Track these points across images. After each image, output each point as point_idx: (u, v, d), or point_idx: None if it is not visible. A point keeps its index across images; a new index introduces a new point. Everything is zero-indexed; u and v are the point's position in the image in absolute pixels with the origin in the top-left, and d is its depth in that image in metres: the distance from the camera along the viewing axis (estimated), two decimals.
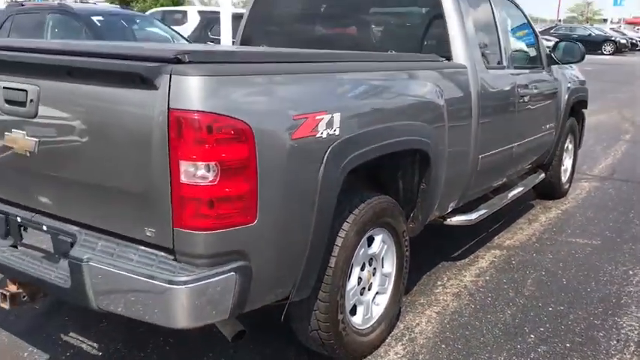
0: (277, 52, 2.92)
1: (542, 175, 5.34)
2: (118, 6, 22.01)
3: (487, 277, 3.97)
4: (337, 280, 2.62)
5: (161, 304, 2.05)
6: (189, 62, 1.98)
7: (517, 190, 4.75)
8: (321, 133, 2.34)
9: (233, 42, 9.43)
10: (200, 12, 16.17)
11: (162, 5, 30.77)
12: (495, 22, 4.20)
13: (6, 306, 2.52)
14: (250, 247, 2.15)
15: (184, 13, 16.42)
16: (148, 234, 2.14)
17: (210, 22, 12.32)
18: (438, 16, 3.68)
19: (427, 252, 4.19)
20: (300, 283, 2.42)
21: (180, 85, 1.95)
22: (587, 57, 5.67)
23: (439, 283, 3.85)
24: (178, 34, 8.94)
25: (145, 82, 1.98)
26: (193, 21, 15.43)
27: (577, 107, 5.82)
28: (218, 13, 16.25)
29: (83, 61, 2.15)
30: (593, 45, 33.88)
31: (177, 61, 1.97)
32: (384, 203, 2.89)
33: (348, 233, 2.64)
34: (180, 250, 2.08)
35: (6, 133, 2.45)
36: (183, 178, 2.00)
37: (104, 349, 3.01)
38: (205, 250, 2.06)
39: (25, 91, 2.33)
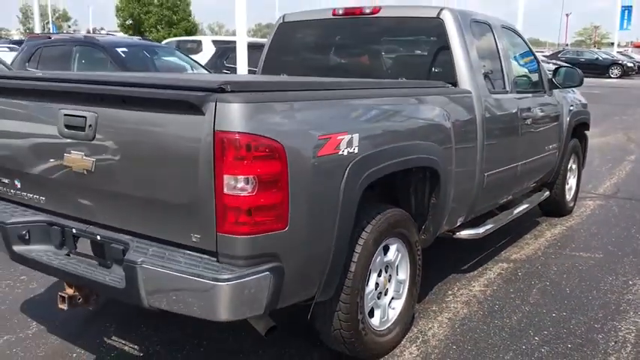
0: (304, 82, 3.26)
1: (547, 193, 5.63)
2: (138, 37, 22.64)
3: (495, 287, 4.25)
4: (357, 284, 2.93)
5: (206, 299, 2.36)
6: (231, 91, 2.32)
7: (523, 207, 5.05)
8: (342, 151, 2.67)
9: (249, 70, 9.91)
10: (214, 41, 16.73)
11: (175, 35, 31.60)
12: (498, 50, 4.54)
13: (64, 307, 2.85)
14: (282, 251, 2.46)
15: (199, 42, 16.99)
16: (194, 239, 2.46)
17: (225, 51, 12.79)
18: (444, 45, 4.02)
19: (438, 265, 4.48)
20: (324, 284, 2.73)
21: (224, 111, 2.29)
22: (595, 80, 6.04)
23: (450, 292, 4.14)
24: (198, 63, 9.36)
25: (194, 108, 2.32)
26: (208, 50, 15.96)
27: (579, 129, 6.12)
28: (231, 42, 16.80)
29: (139, 91, 2.50)
30: (601, 68, 34.24)
31: (221, 90, 2.32)
32: (398, 215, 3.20)
33: (366, 241, 2.95)
34: (222, 253, 2.40)
35: (65, 154, 2.79)
36: (226, 190, 2.32)
37: (144, 350, 3.31)
38: (244, 253, 2.38)
39: (85, 117, 2.67)
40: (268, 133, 2.35)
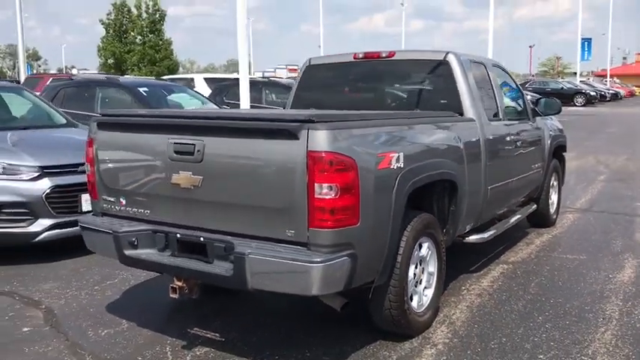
0: (365, 113, 4.02)
1: (535, 206, 6.50)
2: (117, 75, 23.34)
3: (500, 283, 5.06)
4: (403, 272, 3.70)
5: (302, 278, 3.12)
6: (317, 122, 3.13)
7: (516, 217, 5.90)
8: (393, 166, 3.48)
9: (252, 105, 10.77)
10: (206, 79, 17.58)
11: (157, 74, 32.43)
12: (491, 85, 5.44)
13: (175, 296, 3.58)
14: (355, 241, 3.24)
15: (191, 80, 17.79)
16: (289, 234, 3.23)
17: (223, 88, 13.60)
18: (451, 82, 4.90)
19: (450, 267, 5.23)
20: (381, 270, 3.51)
21: (314, 136, 3.09)
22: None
23: (463, 287, 4.93)
24: (207, 98, 10.16)
25: (291, 135, 3.12)
26: (200, 87, 16.76)
27: (558, 151, 7.06)
28: (222, 79, 17.60)
29: (246, 123, 3.30)
30: (566, 97, 36.02)
31: (310, 121, 3.12)
32: (429, 219, 4.01)
33: (408, 238, 3.74)
34: (312, 243, 3.17)
35: (173, 174, 3.54)
36: (316, 195, 3.11)
37: (225, 336, 4.02)
38: (329, 242, 3.15)
39: (194, 144, 3.44)
40: (345, 152, 3.15)
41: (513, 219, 5.82)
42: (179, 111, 4.67)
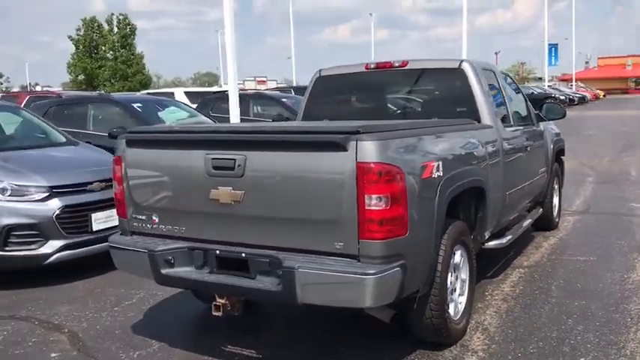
0: (407, 123, 4.01)
1: (541, 210, 6.58)
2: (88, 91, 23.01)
3: (521, 287, 5.10)
4: (443, 280, 3.70)
5: (356, 290, 3.09)
6: (364, 133, 3.12)
7: (527, 222, 5.96)
8: (434, 175, 3.49)
9: (287, 117, 10.76)
10: (186, 93, 17.47)
11: (130, 89, 32.10)
12: (501, 91, 5.50)
13: (219, 314, 3.52)
14: (404, 251, 3.23)
15: (171, 94, 17.64)
16: (337, 247, 3.20)
17: (208, 102, 13.49)
18: (467, 90, 4.93)
19: None
20: (425, 279, 3.50)
21: (362, 147, 3.07)
22: None
23: (487, 293, 4.95)
24: (198, 111, 10.08)
25: (339, 146, 3.10)
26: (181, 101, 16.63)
27: (558, 155, 7.18)
28: (204, 93, 17.49)
29: (292, 136, 3.27)
30: (537, 102, 36.62)
31: (357, 132, 3.10)
32: (462, 226, 4.02)
33: (446, 246, 3.74)
34: (363, 255, 3.14)
35: (212, 190, 3.49)
36: (367, 207, 3.09)
37: (259, 352, 3.96)
38: (381, 253, 3.13)
39: (234, 159, 3.40)
40: (393, 162, 3.15)
41: (525, 223, 5.87)
42: (215, 126, 4.61)
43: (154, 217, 3.80)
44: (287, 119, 11.94)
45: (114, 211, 5.71)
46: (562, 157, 7.45)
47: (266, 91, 14.59)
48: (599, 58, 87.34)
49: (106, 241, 5.59)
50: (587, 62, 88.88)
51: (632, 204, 8.57)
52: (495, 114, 5.00)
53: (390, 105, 5.47)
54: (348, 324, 4.33)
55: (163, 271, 3.63)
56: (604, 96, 62.65)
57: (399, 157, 3.22)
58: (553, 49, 49.22)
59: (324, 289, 3.18)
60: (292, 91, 17.65)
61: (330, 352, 3.96)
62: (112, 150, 5.81)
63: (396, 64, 5.26)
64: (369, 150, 3.09)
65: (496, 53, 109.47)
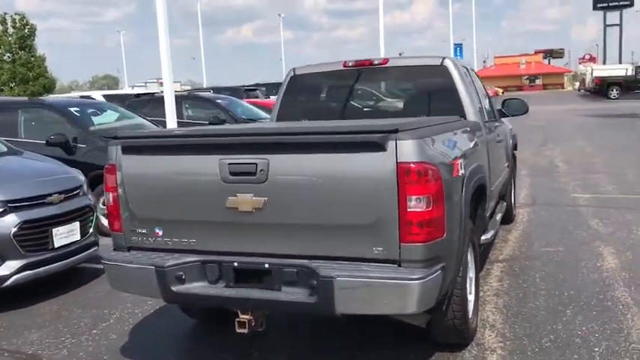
0: (434, 120, 3.88)
1: (505, 204, 6.71)
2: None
3: (507, 282, 5.15)
4: (464, 280, 3.63)
5: (401, 296, 2.94)
6: (403, 131, 2.97)
7: (499, 216, 6.04)
8: (460, 173, 3.41)
9: (224, 120, 10.40)
10: (105, 96, 16.60)
11: (32, 93, 30.07)
12: (475, 88, 5.54)
13: (244, 330, 3.26)
14: (442, 253, 3.12)
15: (89, 97, 16.69)
16: (375, 252, 3.04)
17: (131, 104, 12.80)
18: (451, 87, 4.90)
19: None
20: (452, 280, 3.41)
21: (402, 147, 2.93)
22: None
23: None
24: (138, 114, 9.51)
25: (378, 146, 2.94)
26: None
27: (514, 149, 7.36)
28: (121, 96, 16.69)
29: (325, 137, 3.07)
30: None
31: (396, 131, 2.96)
32: (471, 224, 3.97)
33: (466, 245, 3.67)
34: (405, 259, 3.00)
35: (229, 198, 3.22)
36: (409, 208, 2.95)
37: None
38: (422, 257, 3.01)
39: (255, 163, 3.15)
40: (431, 161, 3.03)
41: (498, 217, 5.94)
42: (230, 128, 4.27)
43: (156, 230, 3.47)
44: (224, 122, 11.58)
45: (76, 225, 5.32)
46: (515, 151, 7.65)
47: (200, 93, 14.04)
48: (495, 57, 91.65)
49: (70, 258, 5.23)
50: (484, 61, 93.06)
51: (573, 194, 8.96)
52: (478, 110, 5.01)
53: (371, 103, 5.35)
54: (348, 330, 4.18)
55: (174, 289, 3.32)
56: (502, 93, 65.92)
57: (434, 155, 3.11)
58: (458, 48, 51.20)
59: (366, 298, 3.00)
60: (212, 92, 17.23)
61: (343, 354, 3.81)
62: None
63: (376, 62, 5.15)
64: (409, 149, 2.95)
65: (400, 54, 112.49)
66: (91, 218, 5.60)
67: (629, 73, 39.21)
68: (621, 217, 7.30)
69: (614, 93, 37.50)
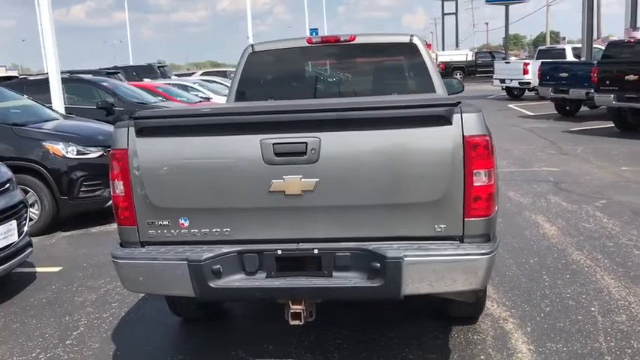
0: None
1: None
2: None
3: None
4: None
5: (470, 273, 2.90)
6: (465, 104, 2.91)
7: None
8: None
9: (112, 104, 9.50)
10: None
11: None
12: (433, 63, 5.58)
13: (298, 322, 3.02)
14: (494, 227, 3.12)
15: None
16: (438, 229, 2.95)
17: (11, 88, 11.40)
18: (421, 64, 4.93)
19: None
20: None
21: (468, 120, 2.87)
22: None
23: None
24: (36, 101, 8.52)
25: (444, 120, 2.85)
26: None
27: None
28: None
29: (386, 112, 2.90)
30: None
31: (458, 104, 2.89)
32: None
33: None
34: (468, 235, 2.95)
35: (274, 181, 2.95)
36: (474, 183, 2.90)
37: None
38: (483, 231, 2.98)
39: (305, 142, 2.91)
40: (489, 134, 3.00)
41: None
42: (273, 105, 3.81)
43: (181, 221, 3.09)
44: (113, 106, 10.73)
45: (13, 224, 4.63)
46: None
47: (82, 75, 12.79)
48: None
49: (8, 262, 4.53)
50: None
51: None
52: (442, 86, 5.08)
53: (338, 81, 5.22)
54: (359, 312, 4.08)
55: (212, 284, 2.99)
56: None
57: (486, 128, 3.08)
58: (314, 33, 51.97)
59: (434, 277, 2.92)
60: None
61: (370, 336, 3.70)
62: None
63: (343, 39, 5.03)
64: (474, 122, 2.90)
65: (248, 38, 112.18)
66: (25, 216, 4.90)
67: (470, 58, 42.34)
68: (531, 189, 7.86)
69: (458, 77, 40.31)
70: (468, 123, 2.88)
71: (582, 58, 21.24)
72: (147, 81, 16.87)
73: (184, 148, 3.05)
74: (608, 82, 12.99)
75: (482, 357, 3.50)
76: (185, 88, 16.07)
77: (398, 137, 2.92)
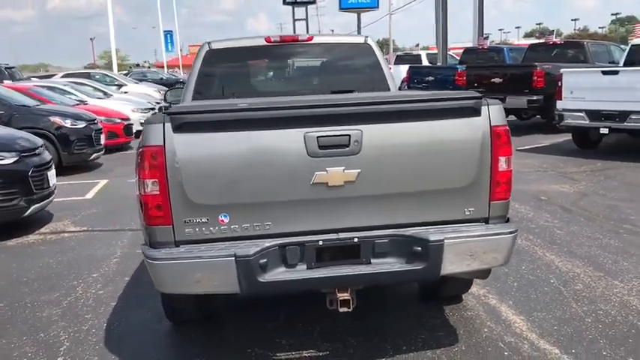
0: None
1: None
2: None
3: None
4: None
5: (500, 251, 3.17)
6: (487, 98, 3.20)
7: None
8: None
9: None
10: None
11: None
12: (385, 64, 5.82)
13: (346, 309, 3.12)
14: (508, 212, 3.42)
15: None
16: (467, 213, 3.20)
17: None
18: (376, 63, 5.16)
19: None
20: None
21: (493, 111, 3.16)
22: None
23: None
24: None
25: (475, 111, 3.11)
26: None
27: None
28: None
29: (424, 105, 3.10)
30: (168, 86, 37.43)
31: (482, 97, 3.16)
32: None
33: None
34: (493, 216, 3.24)
35: (317, 173, 3.01)
36: (499, 168, 3.19)
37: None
38: (504, 213, 3.29)
39: (348, 135, 3.02)
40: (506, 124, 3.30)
41: None
42: (314, 99, 3.62)
43: (221, 218, 3.04)
44: None
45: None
46: None
47: None
48: (190, 46, 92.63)
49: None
50: (180, 50, 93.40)
51: None
52: (395, 83, 5.38)
53: (299, 80, 5.29)
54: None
55: (260, 279, 2.98)
56: None
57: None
58: (169, 35, 50.56)
59: (469, 256, 3.16)
60: None
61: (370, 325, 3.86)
62: None
63: (301, 38, 5.13)
64: (498, 113, 3.19)
65: (92, 39, 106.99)
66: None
67: None
68: None
69: None
70: (493, 114, 3.16)
71: (438, 63, 23.04)
72: (7, 83, 15.44)
73: (225, 143, 3.01)
74: (476, 85, 14.22)
75: (485, 330, 3.81)
76: (52, 89, 14.94)
77: (433, 128, 3.13)
